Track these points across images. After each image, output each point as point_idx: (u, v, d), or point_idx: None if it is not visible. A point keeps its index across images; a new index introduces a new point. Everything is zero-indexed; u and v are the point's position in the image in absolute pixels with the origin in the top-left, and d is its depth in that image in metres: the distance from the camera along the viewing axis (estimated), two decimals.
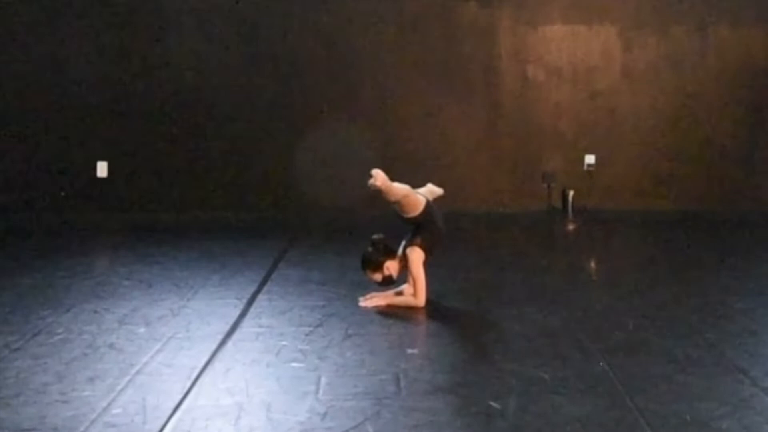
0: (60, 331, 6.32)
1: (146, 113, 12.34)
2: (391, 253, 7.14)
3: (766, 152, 12.80)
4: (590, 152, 12.72)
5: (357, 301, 7.14)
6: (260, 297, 7.44)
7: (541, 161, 12.76)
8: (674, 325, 6.54)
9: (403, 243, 7.18)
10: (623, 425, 4.54)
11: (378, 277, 7.12)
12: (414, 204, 7.06)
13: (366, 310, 6.97)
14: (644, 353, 5.82)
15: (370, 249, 7.14)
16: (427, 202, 7.15)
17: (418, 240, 7.07)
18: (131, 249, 9.73)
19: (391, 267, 7.11)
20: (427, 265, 7.10)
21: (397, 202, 7.01)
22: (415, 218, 7.09)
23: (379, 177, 6.78)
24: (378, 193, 6.92)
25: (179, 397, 4.94)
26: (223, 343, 6.05)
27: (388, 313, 6.90)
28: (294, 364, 5.56)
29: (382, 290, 7.26)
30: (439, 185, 7.78)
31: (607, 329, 6.40)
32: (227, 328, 6.42)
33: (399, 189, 6.99)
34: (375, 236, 7.19)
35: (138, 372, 5.39)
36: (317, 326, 6.47)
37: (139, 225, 11.49)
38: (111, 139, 12.33)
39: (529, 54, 12.73)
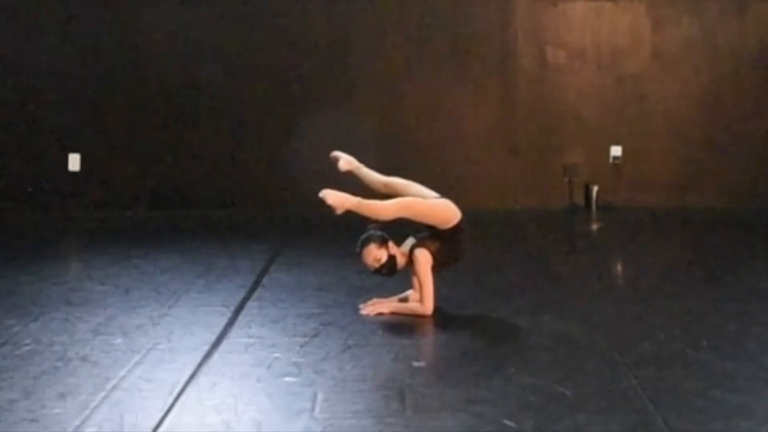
0: (27, 341, 6.32)
1: (123, 101, 12.36)
2: (398, 245, 7.10)
3: None
4: (616, 143, 12.74)
5: (357, 309, 7.14)
6: (250, 304, 7.44)
7: (562, 153, 12.77)
8: (710, 335, 6.53)
9: (412, 239, 7.16)
10: None
11: (383, 254, 6.92)
12: (443, 218, 7.05)
13: (367, 318, 6.97)
14: (676, 366, 5.82)
15: (379, 232, 7.06)
16: (462, 220, 7.07)
17: (433, 246, 7.01)
18: (106, 250, 9.74)
19: (395, 250, 7.05)
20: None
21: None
22: (440, 231, 7.07)
23: (329, 197, 6.78)
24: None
25: (160, 415, 4.94)
26: (208, 355, 6.05)
27: (392, 321, 6.91)
28: (287, 379, 5.56)
29: (385, 297, 7.28)
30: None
31: (635, 340, 6.40)
32: (213, 338, 6.42)
33: (415, 206, 6.99)
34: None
35: (114, 387, 5.39)
36: (313, 336, 6.47)
37: (115, 224, 11.50)
38: (84, 129, 12.35)
39: (548, 34, 12.74)
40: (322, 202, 6.72)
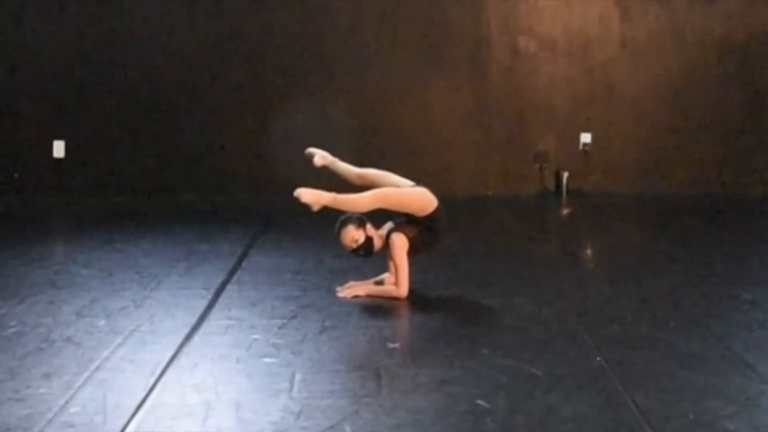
0: (13, 323, 6.29)
1: (107, 88, 12.29)
2: (376, 227, 7.09)
3: None
4: (586, 131, 12.74)
5: (334, 291, 7.14)
6: (229, 287, 7.43)
7: (533, 140, 12.77)
8: (677, 317, 6.55)
9: (390, 224, 7.16)
10: (622, 425, 4.54)
11: (361, 235, 6.91)
12: (419, 206, 7.04)
13: (344, 300, 6.97)
14: (644, 347, 5.82)
15: (357, 214, 7.03)
16: (438, 207, 7.08)
17: (410, 232, 7.02)
18: (90, 235, 9.69)
19: (373, 232, 7.04)
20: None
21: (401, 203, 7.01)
22: (417, 218, 7.06)
23: (304, 195, 6.73)
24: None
25: (142, 394, 4.92)
26: (189, 336, 6.03)
27: (368, 304, 6.90)
28: (266, 360, 5.55)
29: (361, 280, 7.28)
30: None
31: (604, 321, 6.41)
32: (194, 320, 6.40)
33: (387, 196, 6.96)
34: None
35: (98, 368, 5.37)
36: (291, 318, 6.46)
37: (98, 209, 11.46)
38: (69, 116, 12.28)
39: (520, 24, 12.72)
40: (297, 201, 6.69)
